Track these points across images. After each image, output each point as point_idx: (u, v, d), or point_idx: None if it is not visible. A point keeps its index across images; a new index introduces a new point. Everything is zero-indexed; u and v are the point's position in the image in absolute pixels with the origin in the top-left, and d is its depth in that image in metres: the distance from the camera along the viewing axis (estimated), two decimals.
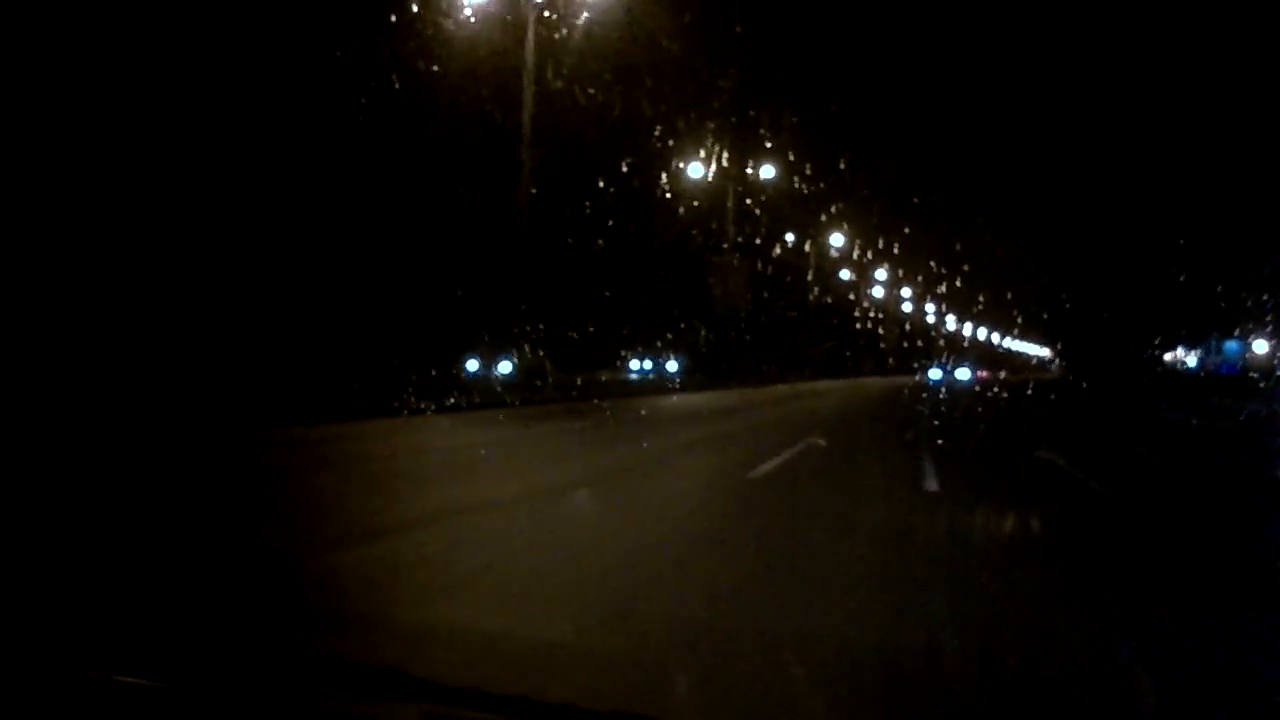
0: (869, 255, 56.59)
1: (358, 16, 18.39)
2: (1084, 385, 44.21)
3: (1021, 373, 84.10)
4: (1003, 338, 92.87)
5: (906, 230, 54.73)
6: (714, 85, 33.31)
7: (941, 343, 72.62)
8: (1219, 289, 41.20)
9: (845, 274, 57.05)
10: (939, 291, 65.77)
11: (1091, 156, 54.89)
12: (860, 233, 52.97)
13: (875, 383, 51.23)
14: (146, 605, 3.86)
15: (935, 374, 60.20)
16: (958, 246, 58.21)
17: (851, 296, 58.39)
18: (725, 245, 41.09)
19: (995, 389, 47.40)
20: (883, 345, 63.81)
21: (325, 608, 4.33)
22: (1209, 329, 44.71)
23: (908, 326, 66.20)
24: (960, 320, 78.47)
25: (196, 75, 16.47)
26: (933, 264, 61.50)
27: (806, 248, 51.14)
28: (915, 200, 49.21)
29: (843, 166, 44.54)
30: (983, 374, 75.58)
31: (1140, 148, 45.49)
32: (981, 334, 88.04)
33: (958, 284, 61.54)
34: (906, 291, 67.86)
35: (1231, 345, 44.89)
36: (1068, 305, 62.59)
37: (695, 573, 5.31)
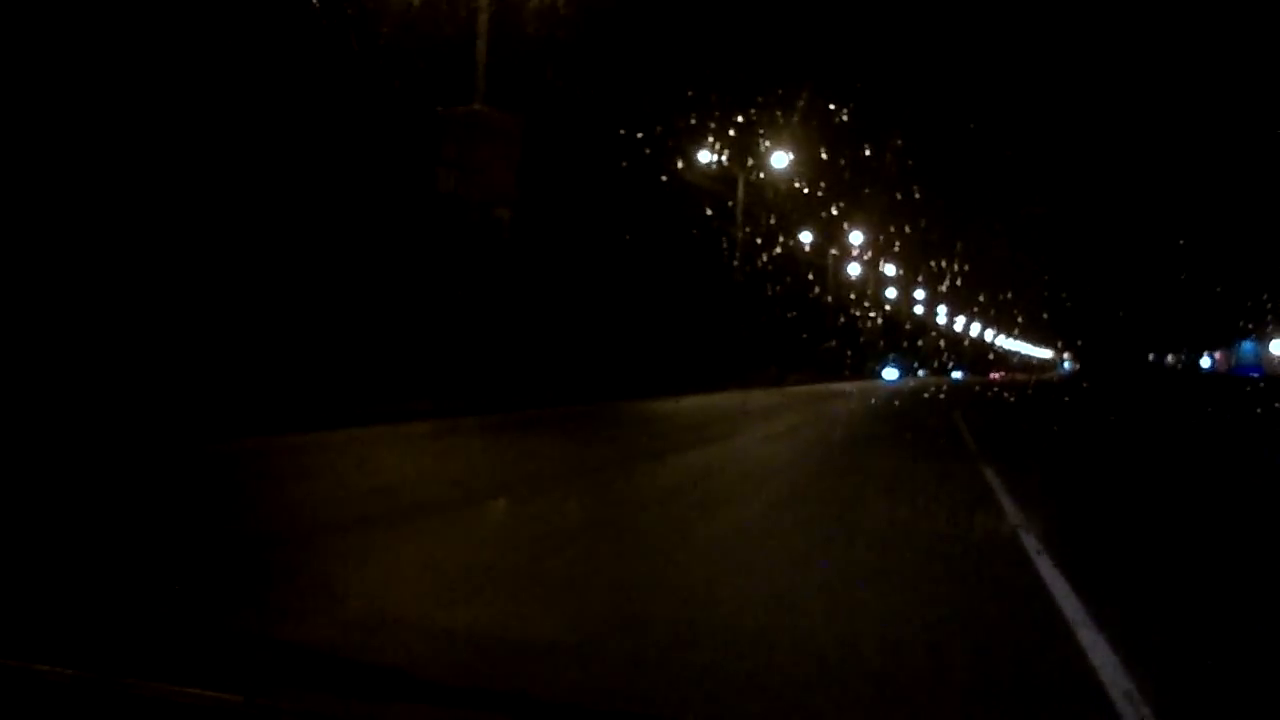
0: (863, 249, 52.54)
1: None
2: (1121, 392, 40.46)
3: (1030, 374, 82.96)
4: (996, 336, 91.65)
5: (907, 229, 52.03)
6: None
7: (942, 343, 70.61)
8: (1229, 289, 40.04)
9: (806, 236, 42.48)
10: (940, 291, 63.90)
11: (1097, 155, 53.70)
12: (855, 225, 49.21)
13: (847, 396, 30.81)
14: None
15: (891, 374, 53.77)
16: (957, 245, 56.48)
17: (835, 295, 49.66)
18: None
19: (1012, 396, 43.80)
20: (881, 343, 58.61)
21: None
22: (1224, 329, 43.48)
23: (907, 326, 63.03)
24: (951, 316, 75.93)
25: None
26: (932, 263, 59.61)
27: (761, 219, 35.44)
28: (916, 195, 47.47)
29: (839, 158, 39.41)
30: (995, 375, 74.13)
31: (1148, 148, 44.32)
32: (978, 331, 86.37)
33: (957, 284, 59.77)
34: (890, 270, 58.20)
35: (1247, 346, 43.74)
36: (1069, 305, 61.34)
37: None
